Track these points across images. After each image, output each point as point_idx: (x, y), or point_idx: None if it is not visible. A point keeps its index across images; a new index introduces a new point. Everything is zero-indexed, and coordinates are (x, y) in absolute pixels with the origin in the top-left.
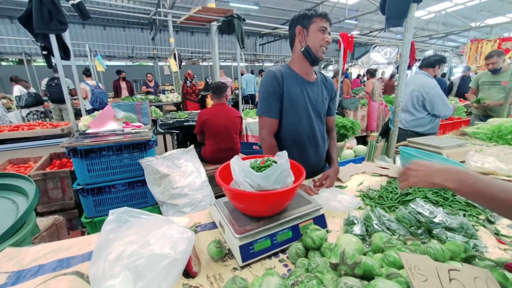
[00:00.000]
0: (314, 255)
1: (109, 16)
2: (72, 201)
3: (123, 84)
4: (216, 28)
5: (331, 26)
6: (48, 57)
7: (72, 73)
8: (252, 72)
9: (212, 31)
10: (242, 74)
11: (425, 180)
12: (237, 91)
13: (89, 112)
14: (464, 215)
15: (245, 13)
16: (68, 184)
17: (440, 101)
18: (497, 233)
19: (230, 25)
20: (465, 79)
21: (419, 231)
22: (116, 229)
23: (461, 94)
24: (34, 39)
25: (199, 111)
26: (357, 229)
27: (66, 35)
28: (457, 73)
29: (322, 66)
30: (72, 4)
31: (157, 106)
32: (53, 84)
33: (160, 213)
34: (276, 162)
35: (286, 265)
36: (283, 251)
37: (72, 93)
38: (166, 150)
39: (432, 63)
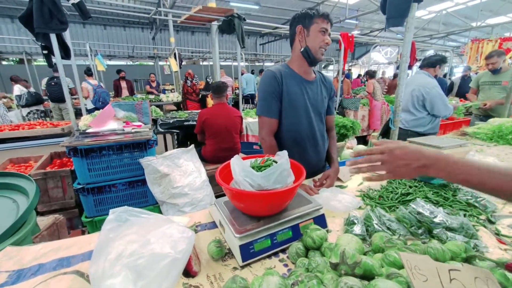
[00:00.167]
0: (314, 254)
1: (109, 16)
2: (72, 200)
3: (123, 84)
4: (217, 28)
5: (332, 26)
6: (48, 56)
7: (72, 72)
8: (252, 72)
9: (213, 30)
10: (242, 74)
11: (414, 172)
12: (237, 91)
13: (90, 111)
14: (464, 215)
15: (246, 12)
16: (69, 184)
17: (440, 101)
18: (497, 233)
19: (230, 25)
20: (465, 79)
21: (420, 231)
22: (116, 228)
23: (461, 94)
24: (34, 39)
25: (199, 110)
26: (357, 229)
27: (67, 35)
28: (457, 73)
29: (323, 66)
30: (73, 4)
31: (157, 106)
32: (53, 83)
33: (160, 212)
34: (276, 162)
35: (286, 265)
36: (283, 251)
37: (72, 92)
38: (166, 150)
39: (432, 63)
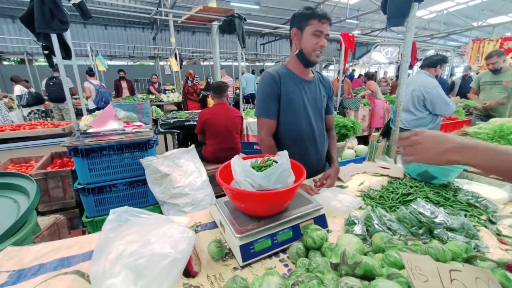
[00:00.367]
0: (315, 255)
1: (110, 16)
2: (73, 200)
3: (123, 84)
4: (217, 28)
5: (331, 25)
6: (49, 56)
7: (73, 72)
8: (253, 72)
9: (213, 30)
10: (242, 74)
11: (441, 158)
12: (238, 91)
13: (91, 111)
14: (465, 215)
15: (246, 12)
16: (69, 184)
17: (441, 100)
18: (498, 234)
19: (231, 25)
20: (466, 79)
21: (420, 231)
22: (116, 228)
23: (462, 94)
24: (35, 39)
25: (199, 110)
26: (358, 229)
27: (68, 35)
28: (458, 73)
29: (323, 66)
30: (74, 4)
31: (158, 106)
32: (51, 83)
33: (160, 212)
34: (276, 162)
35: (286, 265)
36: (283, 251)
37: (72, 91)
38: (167, 150)
39: (433, 63)
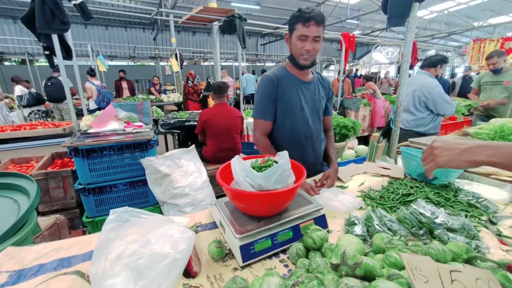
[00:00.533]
0: (315, 255)
1: (111, 16)
2: (73, 200)
3: (124, 84)
4: (218, 28)
5: (322, 26)
6: (50, 57)
7: (74, 73)
8: (253, 72)
9: (214, 31)
10: (243, 74)
11: (461, 158)
12: (238, 91)
13: (93, 111)
14: (466, 216)
15: (247, 13)
16: (70, 184)
17: (442, 100)
18: (499, 234)
19: (231, 25)
20: (467, 79)
21: (421, 231)
22: (116, 229)
23: (463, 94)
24: (36, 39)
25: (200, 111)
26: (358, 229)
27: (68, 35)
28: (459, 73)
29: (324, 66)
30: (74, 4)
31: (158, 106)
32: (49, 84)
33: (161, 212)
34: (277, 162)
35: (286, 266)
36: (283, 251)
37: (72, 91)
38: (167, 150)
39: (433, 63)
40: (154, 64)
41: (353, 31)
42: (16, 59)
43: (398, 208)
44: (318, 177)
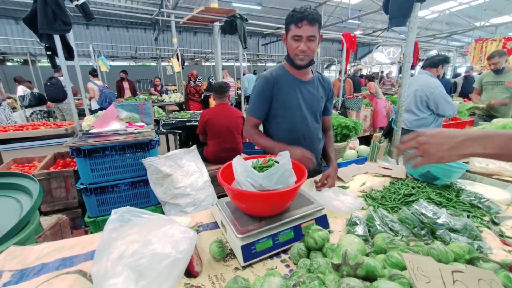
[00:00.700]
0: (316, 255)
1: (112, 17)
2: (75, 200)
3: (125, 84)
4: (219, 28)
5: (320, 24)
6: (52, 57)
7: (75, 73)
8: (254, 72)
9: (215, 31)
10: (244, 74)
11: (453, 153)
12: (239, 91)
13: (95, 111)
14: (468, 216)
15: (248, 13)
16: (72, 184)
17: (444, 100)
18: (501, 235)
19: (232, 25)
20: (468, 79)
21: (422, 232)
22: (118, 229)
23: (464, 94)
24: (38, 40)
25: (201, 111)
26: (360, 229)
27: (70, 36)
28: (462, 73)
29: (325, 66)
30: (76, 5)
31: (159, 106)
32: (49, 84)
33: (162, 212)
34: (278, 162)
35: (288, 266)
36: (285, 252)
37: (73, 91)
38: (168, 150)
39: (435, 63)
40: (155, 64)
41: (354, 31)
42: (18, 60)
43: (400, 209)
44: (318, 177)
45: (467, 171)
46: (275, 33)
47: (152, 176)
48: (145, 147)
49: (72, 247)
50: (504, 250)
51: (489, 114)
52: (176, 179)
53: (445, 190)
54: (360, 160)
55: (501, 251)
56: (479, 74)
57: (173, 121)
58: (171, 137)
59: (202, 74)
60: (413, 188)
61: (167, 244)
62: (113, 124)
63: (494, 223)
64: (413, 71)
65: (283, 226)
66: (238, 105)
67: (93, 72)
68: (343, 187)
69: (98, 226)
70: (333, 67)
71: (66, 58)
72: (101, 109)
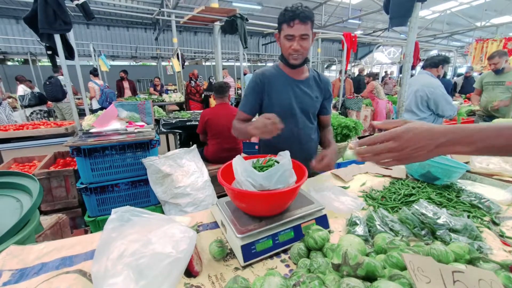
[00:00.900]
0: (316, 255)
1: (113, 16)
2: (75, 199)
3: (125, 84)
4: (219, 28)
5: (312, 22)
6: (52, 57)
7: (76, 73)
8: None
9: (215, 31)
10: (245, 74)
11: (431, 156)
12: (239, 91)
13: (96, 111)
14: (468, 216)
15: (248, 13)
16: (72, 183)
17: (444, 101)
18: (502, 235)
19: (233, 25)
20: (468, 79)
21: (423, 232)
22: (118, 228)
23: (464, 94)
24: (39, 39)
25: (201, 111)
26: (360, 229)
27: (71, 35)
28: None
29: (325, 66)
30: (77, 4)
31: (160, 106)
32: (47, 83)
33: (162, 212)
34: (278, 162)
35: (288, 266)
36: (285, 251)
37: (72, 90)
38: (168, 150)
39: (436, 63)
40: (155, 64)
41: (354, 31)
42: (19, 59)
43: (400, 209)
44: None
45: (467, 171)
46: (275, 33)
47: (152, 176)
48: (145, 146)
49: (72, 247)
50: (505, 251)
51: (489, 114)
52: (176, 179)
53: (445, 190)
54: None
55: (501, 252)
56: (480, 74)
57: (173, 121)
58: (171, 136)
59: (203, 74)
60: (413, 188)
61: (167, 244)
62: (113, 123)
63: (495, 224)
64: (413, 71)
65: (283, 226)
66: (238, 105)
67: (94, 72)
68: (343, 187)
69: (98, 226)
70: (333, 67)
71: (67, 58)
72: (102, 108)
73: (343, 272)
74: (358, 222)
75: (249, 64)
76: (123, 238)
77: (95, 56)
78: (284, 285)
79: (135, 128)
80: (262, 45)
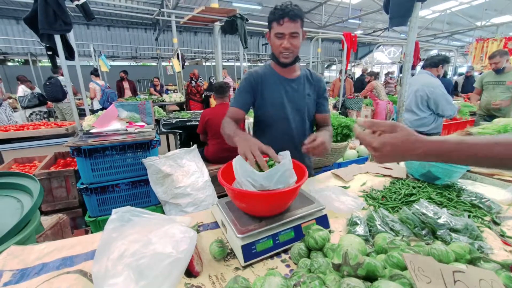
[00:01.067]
0: (317, 255)
1: (113, 17)
2: (76, 200)
3: (126, 84)
4: (219, 28)
5: (302, 20)
6: (53, 57)
7: (76, 73)
8: None
9: (215, 31)
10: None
11: (414, 159)
12: None
13: (97, 111)
14: (469, 216)
15: (248, 13)
16: (72, 183)
17: (444, 100)
18: (502, 235)
19: (233, 25)
20: (469, 79)
21: (423, 232)
22: (119, 228)
23: (465, 94)
24: (39, 40)
25: (202, 111)
26: (360, 229)
27: (71, 36)
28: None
29: (325, 66)
30: (77, 5)
31: (160, 106)
32: (47, 83)
33: (162, 212)
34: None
35: (288, 266)
36: (285, 251)
37: (73, 91)
38: (169, 150)
39: (436, 63)
40: (156, 64)
41: (355, 31)
42: (19, 60)
43: (401, 208)
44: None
45: (468, 171)
46: (266, 32)
47: (152, 176)
48: (146, 146)
49: (72, 247)
50: (505, 250)
51: (489, 114)
52: (176, 179)
53: (446, 190)
54: (361, 160)
55: (502, 251)
56: (480, 74)
57: (174, 121)
58: (171, 137)
59: (203, 74)
60: (413, 188)
61: (168, 244)
62: (114, 124)
63: (495, 223)
64: (413, 71)
65: (283, 226)
66: None
67: (95, 72)
68: (343, 187)
69: (99, 226)
70: (333, 67)
71: (67, 58)
72: (102, 109)
73: (344, 272)
74: (358, 222)
75: (249, 64)
76: (123, 238)
77: (95, 56)
78: (284, 285)
79: (136, 128)
80: (262, 45)
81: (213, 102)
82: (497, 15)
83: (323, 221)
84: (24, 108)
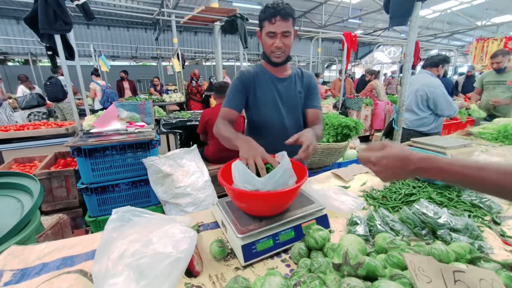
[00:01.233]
0: (317, 255)
1: (113, 17)
2: (76, 200)
3: (126, 84)
4: (219, 28)
5: (293, 19)
6: (53, 57)
7: (76, 73)
8: None
9: (215, 31)
10: None
11: (407, 177)
12: None
13: (97, 111)
14: (469, 216)
15: (248, 13)
16: (73, 183)
17: (444, 100)
18: (502, 235)
19: (233, 25)
20: (470, 78)
21: (423, 231)
22: (119, 228)
23: (466, 93)
24: (39, 40)
25: (202, 110)
26: (360, 229)
27: (71, 36)
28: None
29: (326, 65)
30: (77, 5)
31: (160, 106)
32: (48, 83)
33: (163, 212)
34: (278, 162)
35: (288, 265)
36: (285, 251)
37: (73, 90)
38: (169, 150)
39: (436, 63)
40: (156, 64)
41: (355, 31)
42: (19, 60)
43: (401, 208)
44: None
45: None
46: (257, 31)
47: (152, 176)
48: (146, 146)
49: (72, 247)
50: (506, 250)
51: (490, 114)
52: (176, 179)
53: (446, 189)
54: None
55: (502, 251)
56: (480, 73)
57: (174, 121)
58: (171, 136)
59: (203, 74)
60: (414, 187)
61: (168, 244)
62: (114, 123)
63: (495, 223)
64: (413, 71)
65: (283, 226)
66: None
67: (96, 72)
68: (344, 186)
69: (99, 226)
70: (333, 67)
71: (67, 58)
72: (103, 109)
73: (344, 272)
74: (358, 221)
75: (249, 64)
76: (123, 238)
77: (95, 56)
78: (284, 285)
79: (136, 128)
80: None
81: (213, 102)
82: (497, 14)
83: (323, 221)
84: (23, 109)
